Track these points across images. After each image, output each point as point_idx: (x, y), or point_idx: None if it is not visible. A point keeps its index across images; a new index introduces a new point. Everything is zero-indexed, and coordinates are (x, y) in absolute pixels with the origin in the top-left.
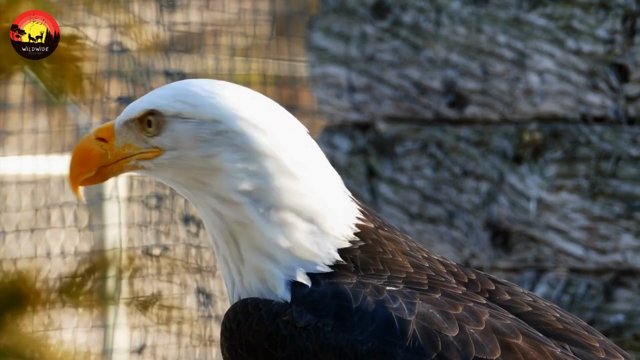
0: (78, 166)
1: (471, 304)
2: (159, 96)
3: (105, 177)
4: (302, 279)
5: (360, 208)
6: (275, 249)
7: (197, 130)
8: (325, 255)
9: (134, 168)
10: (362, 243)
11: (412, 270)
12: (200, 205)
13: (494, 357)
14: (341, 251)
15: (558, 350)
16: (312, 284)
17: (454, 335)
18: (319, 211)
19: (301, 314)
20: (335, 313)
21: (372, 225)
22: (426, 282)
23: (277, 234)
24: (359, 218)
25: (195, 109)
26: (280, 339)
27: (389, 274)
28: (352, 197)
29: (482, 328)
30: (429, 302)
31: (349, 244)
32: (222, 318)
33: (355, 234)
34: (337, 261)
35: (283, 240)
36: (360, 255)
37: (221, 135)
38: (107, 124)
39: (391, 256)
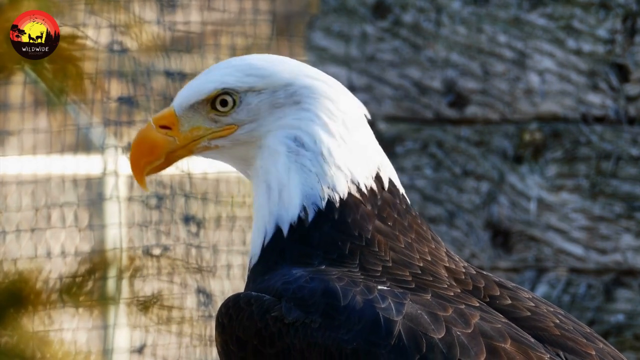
0: (145, 156)
1: (462, 307)
2: (225, 74)
3: (171, 163)
4: (272, 226)
5: (380, 196)
6: (279, 184)
7: (272, 99)
8: (289, 211)
9: (206, 149)
10: (337, 217)
11: (391, 265)
12: (257, 169)
13: None
14: (316, 220)
15: (547, 356)
16: (273, 237)
17: (439, 337)
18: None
19: (290, 310)
20: (323, 311)
21: (368, 208)
22: (410, 279)
23: (289, 168)
24: (360, 192)
25: (265, 79)
26: (269, 335)
27: (359, 263)
28: (388, 183)
29: (469, 331)
30: (419, 302)
31: (322, 211)
32: None
33: (341, 206)
34: (298, 225)
35: (288, 176)
36: (328, 231)
37: (293, 95)
38: (165, 112)
39: (364, 244)
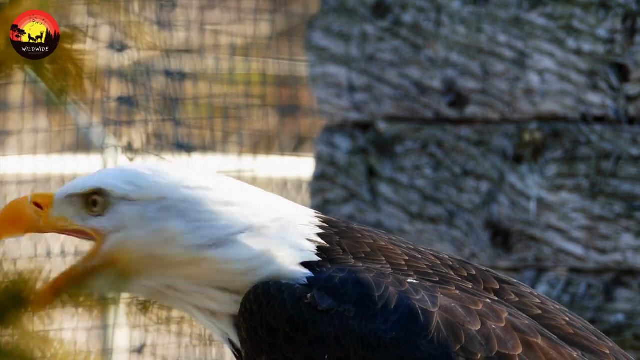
0: (6, 223)
1: (489, 301)
2: (108, 176)
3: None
4: (299, 267)
5: (317, 212)
6: (266, 258)
7: (144, 210)
8: (306, 243)
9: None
10: (336, 229)
11: (407, 258)
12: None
13: (516, 353)
14: (320, 236)
15: (575, 354)
16: (317, 269)
17: (476, 329)
18: (276, 216)
19: (323, 298)
20: (356, 300)
21: (334, 219)
22: (432, 272)
23: (256, 249)
24: (317, 216)
25: (141, 190)
26: (302, 322)
27: (386, 260)
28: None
29: (502, 325)
30: (450, 296)
31: (322, 230)
32: None
33: (325, 222)
34: (322, 244)
35: (261, 249)
36: (342, 240)
37: (167, 210)
38: (47, 193)
39: (372, 241)
